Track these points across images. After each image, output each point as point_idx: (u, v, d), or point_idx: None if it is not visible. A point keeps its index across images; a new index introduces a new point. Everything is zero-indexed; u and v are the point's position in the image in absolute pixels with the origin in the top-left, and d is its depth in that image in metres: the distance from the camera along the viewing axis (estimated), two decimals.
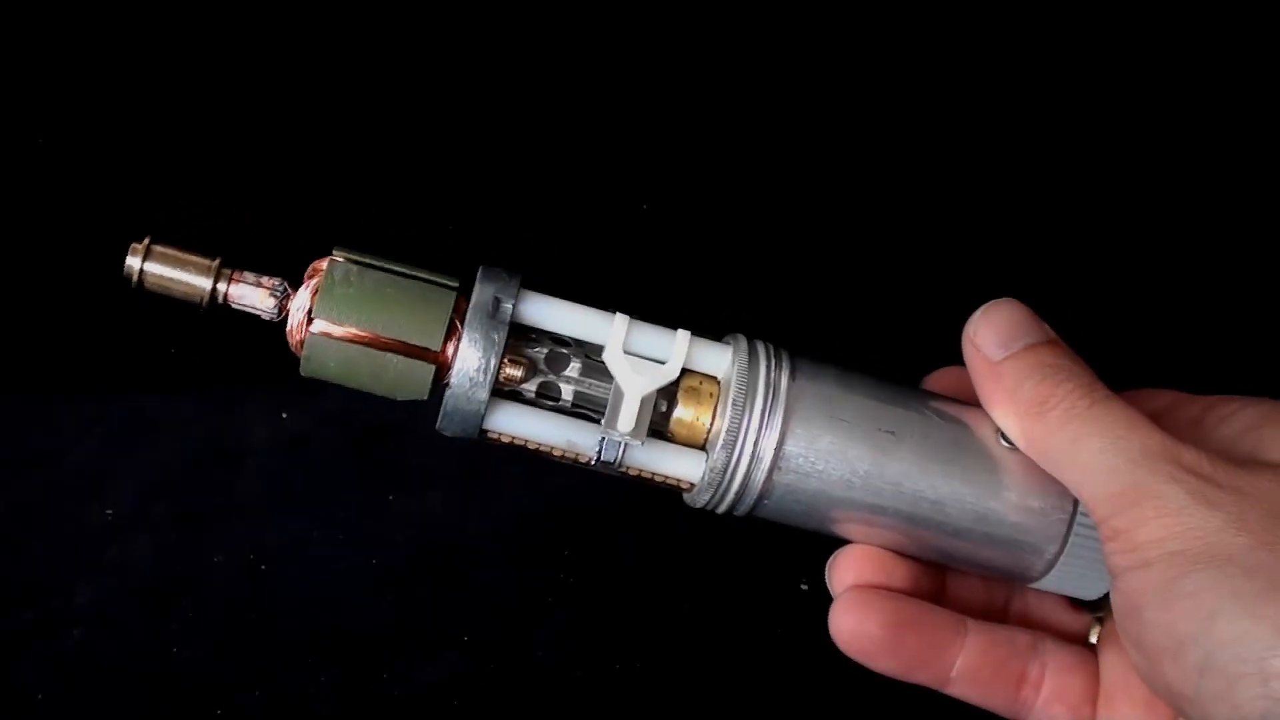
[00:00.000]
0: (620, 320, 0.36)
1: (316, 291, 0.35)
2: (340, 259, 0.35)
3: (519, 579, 0.52)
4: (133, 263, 0.35)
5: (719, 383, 0.37)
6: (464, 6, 0.56)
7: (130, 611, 0.50)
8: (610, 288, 0.53)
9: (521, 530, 0.53)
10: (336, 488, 0.53)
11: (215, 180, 0.54)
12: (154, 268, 0.35)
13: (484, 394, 0.35)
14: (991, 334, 0.35)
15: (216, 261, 0.35)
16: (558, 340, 0.36)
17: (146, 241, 0.35)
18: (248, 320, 0.37)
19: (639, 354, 0.36)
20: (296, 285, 0.35)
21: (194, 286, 0.35)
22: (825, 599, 0.51)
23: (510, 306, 0.35)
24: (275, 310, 0.35)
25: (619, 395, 0.35)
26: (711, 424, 0.36)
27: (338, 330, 0.34)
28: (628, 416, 0.35)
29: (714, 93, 0.56)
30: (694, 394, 0.36)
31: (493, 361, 0.34)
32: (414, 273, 0.35)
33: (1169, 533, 0.31)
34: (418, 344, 0.34)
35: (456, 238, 0.54)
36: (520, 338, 0.36)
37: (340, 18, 0.56)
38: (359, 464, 0.53)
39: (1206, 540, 0.30)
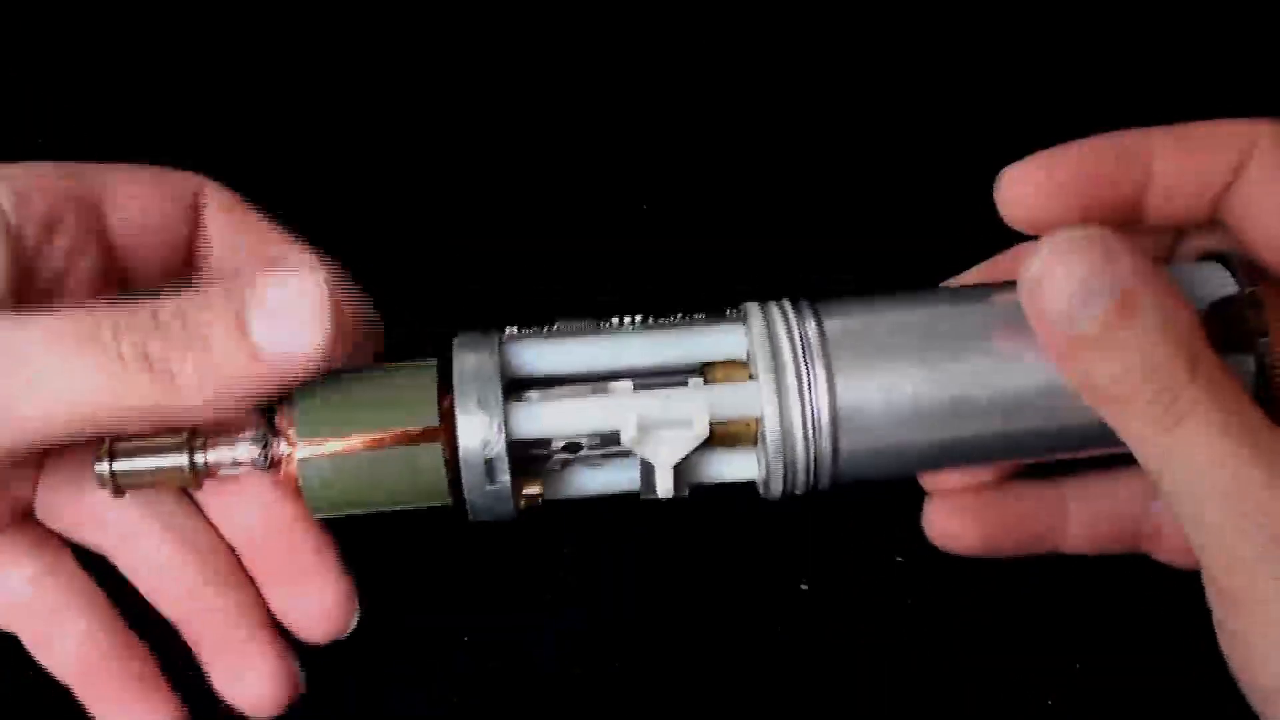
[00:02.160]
0: (627, 406, 0.33)
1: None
2: (306, 452, 0.33)
3: (520, 579, 0.52)
4: (101, 470, 0.33)
5: (748, 368, 0.34)
6: (464, 5, 0.56)
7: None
8: (611, 288, 0.53)
9: (522, 530, 0.53)
10: None
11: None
12: (125, 465, 0.33)
13: (511, 511, 0.33)
14: (1058, 297, 0.30)
15: (185, 434, 0.33)
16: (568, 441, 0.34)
17: (107, 443, 0.33)
18: None
19: (659, 422, 0.33)
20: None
21: (172, 469, 0.33)
22: (825, 599, 0.51)
23: (503, 449, 0.32)
24: (263, 460, 0.33)
25: (649, 469, 0.33)
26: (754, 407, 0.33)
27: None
28: (664, 484, 0.33)
29: (714, 93, 0.56)
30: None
31: (508, 505, 0.33)
32: (389, 431, 0.33)
33: (1272, 639, 0.28)
34: (426, 504, 0.33)
35: (456, 238, 0.54)
36: (527, 448, 0.33)
37: (339, 13, 0.56)
38: None
39: None
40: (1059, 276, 0.29)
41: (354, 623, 0.37)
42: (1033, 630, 0.50)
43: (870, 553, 0.51)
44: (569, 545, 0.52)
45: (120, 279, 0.37)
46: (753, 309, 0.35)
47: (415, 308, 0.50)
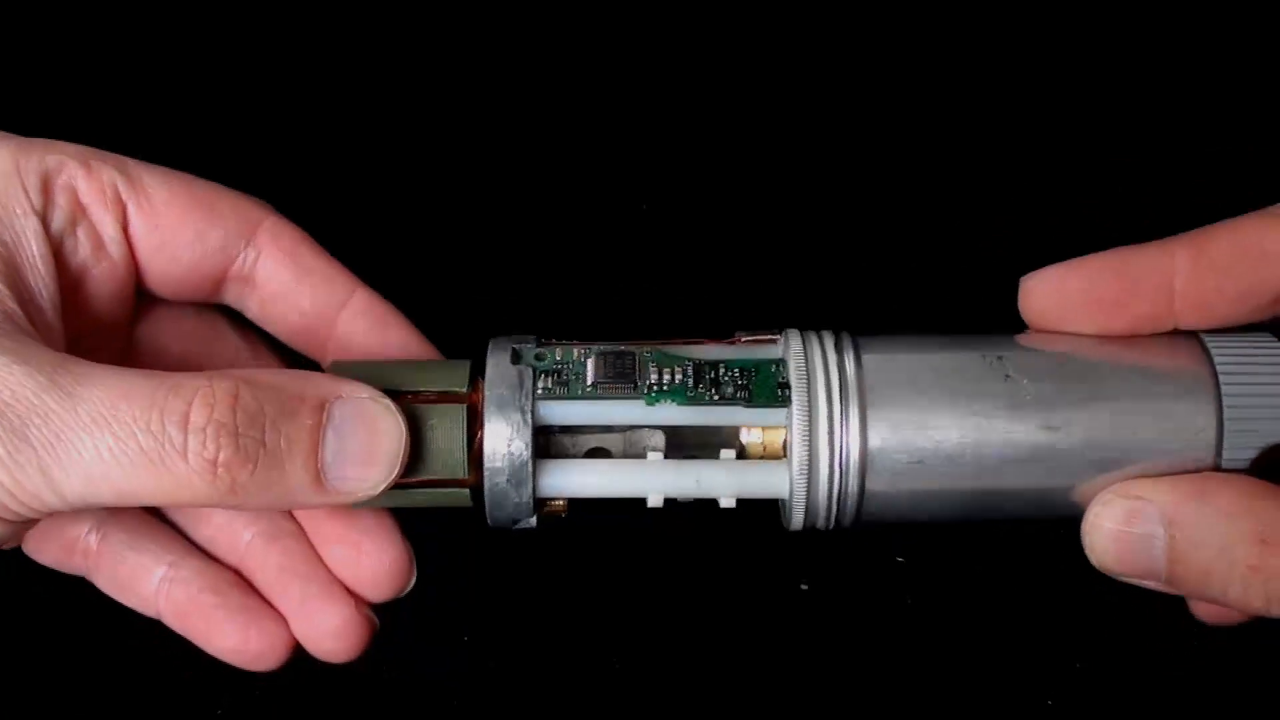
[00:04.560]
0: (656, 480, 0.33)
1: None
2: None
3: (520, 578, 0.52)
4: None
5: (784, 432, 0.33)
6: (462, 5, 0.56)
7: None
8: (610, 288, 0.53)
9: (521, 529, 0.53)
10: None
11: None
12: None
13: (532, 529, 0.34)
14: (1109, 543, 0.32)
15: None
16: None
17: None
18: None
19: (685, 495, 0.33)
20: None
21: None
22: (825, 599, 0.51)
23: (529, 507, 0.33)
24: None
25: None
26: (784, 437, 0.33)
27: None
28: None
29: (714, 92, 0.56)
30: None
31: (530, 528, 0.34)
32: (419, 477, 0.33)
33: None
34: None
35: (455, 237, 0.54)
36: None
37: (335, 13, 0.56)
38: None
39: None
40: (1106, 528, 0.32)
41: (412, 582, 0.37)
42: (1033, 630, 0.50)
43: (870, 553, 0.51)
44: (569, 544, 0.52)
45: (138, 286, 0.36)
46: (793, 355, 0.33)
47: (414, 306, 0.50)
